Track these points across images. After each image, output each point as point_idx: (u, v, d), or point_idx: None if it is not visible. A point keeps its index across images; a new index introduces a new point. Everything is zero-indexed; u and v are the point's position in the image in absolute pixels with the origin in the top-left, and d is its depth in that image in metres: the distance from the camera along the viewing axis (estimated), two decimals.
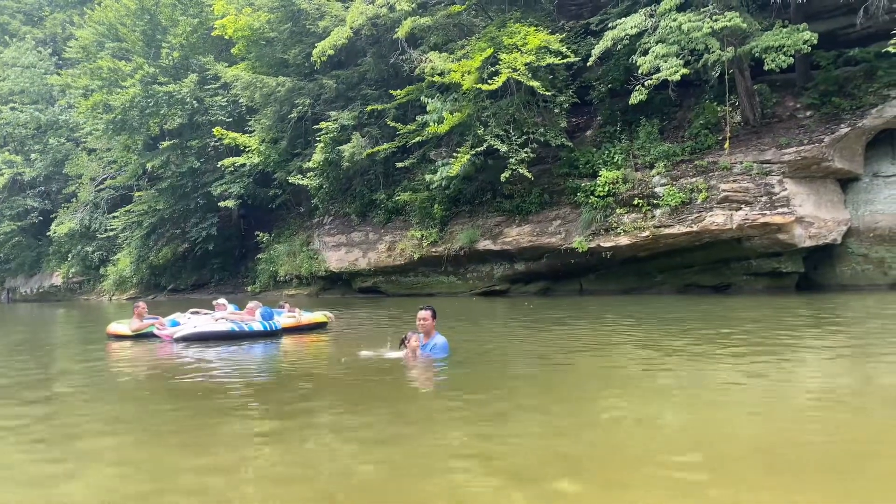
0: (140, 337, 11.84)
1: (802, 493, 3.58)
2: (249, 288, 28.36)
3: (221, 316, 12.02)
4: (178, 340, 11.04)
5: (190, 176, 30.02)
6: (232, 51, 27.24)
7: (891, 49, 14.23)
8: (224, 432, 5.24)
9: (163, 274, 32.98)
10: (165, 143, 29.43)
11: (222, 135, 25.94)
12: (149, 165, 30.41)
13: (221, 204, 27.81)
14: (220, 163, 26.97)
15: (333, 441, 4.90)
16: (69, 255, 37.09)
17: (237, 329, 11.38)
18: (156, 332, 11.70)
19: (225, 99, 28.60)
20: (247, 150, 25.94)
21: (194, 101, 28.61)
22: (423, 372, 7.59)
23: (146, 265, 32.99)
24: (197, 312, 12.60)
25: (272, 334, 11.73)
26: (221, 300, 13.32)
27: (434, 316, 8.11)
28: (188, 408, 6.19)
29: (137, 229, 32.52)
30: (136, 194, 32.86)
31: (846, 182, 17.05)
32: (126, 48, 31.54)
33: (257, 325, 11.65)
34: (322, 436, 5.07)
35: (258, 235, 28.08)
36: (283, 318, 12.55)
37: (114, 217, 32.94)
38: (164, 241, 32.76)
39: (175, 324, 11.97)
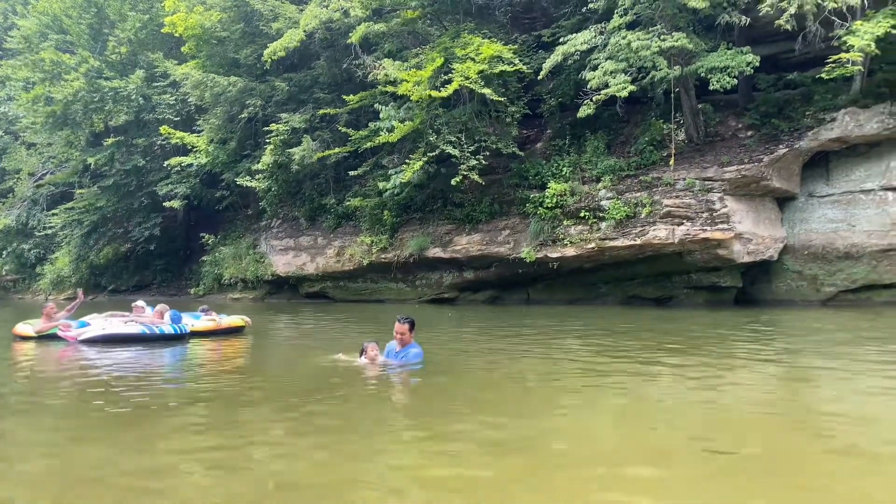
0: (45, 338, 11.48)
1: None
2: (193, 290, 27.79)
3: (130, 318, 11.85)
4: (83, 342, 10.81)
5: (135, 174, 29.28)
6: (182, 49, 26.73)
7: (824, 75, 14.84)
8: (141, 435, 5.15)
9: (103, 274, 32.04)
10: (110, 140, 28.62)
11: (169, 134, 25.41)
12: (91, 162, 29.50)
13: (167, 204, 27.18)
14: (166, 162, 26.36)
15: (265, 442, 4.86)
16: (3, 253, 35.72)
17: (146, 332, 11.20)
18: (59, 333, 11.36)
19: (173, 97, 27.99)
20: (194, 149, 25.46)
21: (141, 98, 27.92)
22: (378, 378, 7.59)
23: (86, 264, 32.01)
24: (114, 315, 12.35)
25: (181, 337, 11.58)
26: (140, 302, 13.15)
27: (412, 328, 8.15)
28: (97, 410, 6.05)
29: (78, 227, 31.51)
30: (78, 192, 31.83)
31: (783, 201, 17.67)
32: (71, 41, 30.60)
33: (167, 328, 11.48)
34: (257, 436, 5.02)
35: (203, 237, 27.54)
36: (203, 322, 12.44)
37: (53, 214, 31.83)
38: (106, 240, 31.83)
39: (85, 325, 11.70)
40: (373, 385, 7.44)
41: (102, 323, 11.57)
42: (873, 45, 13.98)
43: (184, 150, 26.19)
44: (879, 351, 9.23)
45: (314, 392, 7.05)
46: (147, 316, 12.23)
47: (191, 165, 25.68)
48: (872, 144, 16.63)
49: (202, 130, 25.67)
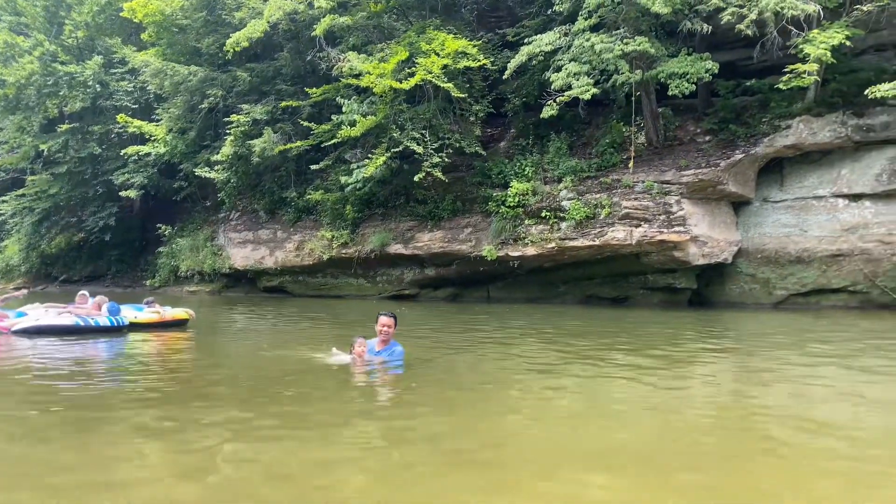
0: None
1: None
2: (148, 282, 27.24)
3: (65, 309, 11.61)
4: (16, 333, 10.56)
5: (90, 162, 28.55)
6: (142, 35, 26.13)
7: (781, 86, 15.19)
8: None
9: (54, 263, 31.23)
10: (64, 127, 27.85)
11: (127, 122, 24.83)
12: (44, 148, 28.67)
13: (123, 194, 26.58)
14: (123, 151, 25.73)
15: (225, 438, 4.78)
16: None
17: (81, 323, 10.99)
18: None
19: (132, 84, 27.36)
20: (153, 139, 24.94)
21: (98, 85, 27.20)
22: (365, 375, 7.52)
23: (36, 253, 31.17)
24: (52, 306, 12.07)
25: (118, 330, 11.39)
26: (83, 292, 12.88)
27: (396, 323, 7.92)
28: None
29: (29, 215, 30.62)
30: (29, 178, 30.91)
31: (738, 205, 18.03)
32: (25, 23, 29.70)
33: (103, 321, 11.28)
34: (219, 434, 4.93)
35: (160, 228, 26.99)
36: (145, 314, 12.25)
37: (3, 201, 30.88)
38: (58, 229, 31.03)
39: (23, 315, 11.43)
40: (335, 383, 7.39)
41: (37, 314, 11.29)
42: (829, 55, 14.35)
43: (141, 138, 25.63)
44: (823, 352, 9.49)
45: (265, 389, 6.96)
46: (85, 307, 11.96)
47: (148, 155, 25.13)
48: (825, 152, 17.07)
49: (161, 119, 25.14)
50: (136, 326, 11.88)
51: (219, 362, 9.07)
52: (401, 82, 18.11)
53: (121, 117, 25.07)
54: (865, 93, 14.48)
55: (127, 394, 6.64)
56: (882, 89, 13.95)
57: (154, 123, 25.19)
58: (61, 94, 27.33)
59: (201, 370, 8.38)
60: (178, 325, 12.58)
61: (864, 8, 14.88)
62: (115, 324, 11.44)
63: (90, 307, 11.84)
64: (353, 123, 18.99)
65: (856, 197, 16.75)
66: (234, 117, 22.05)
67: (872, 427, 5.57)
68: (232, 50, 21.29)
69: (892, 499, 3.91)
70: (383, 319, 7.83)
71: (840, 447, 4.90)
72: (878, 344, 10.43)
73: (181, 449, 4.70)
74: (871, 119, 16.28)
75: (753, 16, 14.74)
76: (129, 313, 12.11)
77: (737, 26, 14.98)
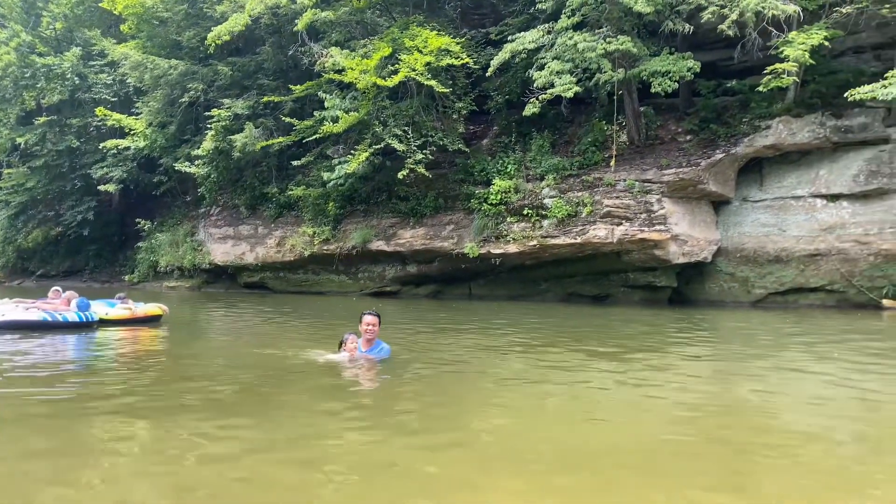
0: None
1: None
2: (127, 278, 26.97)
3: (32, 305, 11.46)
4: None
5: (68, 155, 28.18)
6: (121, 27, 25.84)
7: (761, 88, 15.32)
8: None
9: (31, 258, 30.82)
10: (42, 119, 27.49)
11: (106, 115, 24.53)
12: (21, 141, 28.25)
13: (101, 188, 26.27)
14: (102, 144, 25.44)
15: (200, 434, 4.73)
16: None
17: (48, 319, 10.84)
18: None
19: (111, 77, 27.05)
20: (132, 132, 24.66)
21: (76, 77, 26.87)
22: (364, 372, 7.44)
23: (13, 248, 30.74)
24: (21, 302, 11.91)
25: (87, 325, 11.24)
26: (56, 287, 12.73)
27: (380, 322, 7.81)
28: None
29: (5, 209, 30.24)
30: (6, 171, 30.50)
31: (718, 204, 18.18)
32: (2, 14, 29.26)
33: (72, 316, 11.13)
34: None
35: (139, 223, 26.71)
36: (117, 310, 12.11)
37: None
38: (35, 223, 30.61)
39: None
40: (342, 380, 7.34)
41: (3, 308, 11.13)
42: (807, 56, 14.49)
43: (121, 132, 25.36)
44: (800, 351, 9.59)
45: (240, 387, 6.91)
46: (53, 303, 11.81)
47: (128, 149, 24.88)
48: (804, 153, 17.25)
49: (141, 113, 24.87)
50: (108, 323, 11.73)
51: (192, 360, 8.97)
52: (385, 79, 18.04)
53: (100, 110, 24.76)
54: (845, 95, 14.64)
55: (94, 392, 6.55)
56: (861, 92, 14.10)
57: (133, 117, 24.91)
58: (39, 86, 26.97)
59: (173, 367, 8.29)
60: (151, 321, 12.44)
61: (843, 10, 15.05)
62: (84, 319, 11.26)
63: (59, 303, 11.70)
64: (335, 119, 18.90)
65: (834, 197, 16.94)
66: (214, 112, 21.85)
67: (841, 425, 5.64)
68: (213, 44, 21.10)
69: (857, 493, 3.95)
70: (368, 318, 7.69)
71: (795, 444, 4.95)
72: (845, 343, 10.56)
73: (153, 448, 4.65)
74: (849, 120, 16.47)
75: (735, 16, 14.86)
76: (101, 309, 11.96)
77: (718, 27, 15.09)
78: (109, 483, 3.91)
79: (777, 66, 14.69)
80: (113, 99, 26.90)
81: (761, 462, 4.52)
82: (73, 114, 27.86)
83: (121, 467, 4.23)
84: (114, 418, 5.40)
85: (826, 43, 14.89)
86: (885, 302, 16.08)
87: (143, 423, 5.30)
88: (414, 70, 17.69)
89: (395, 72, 17.97)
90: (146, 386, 6.86)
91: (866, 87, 14.15)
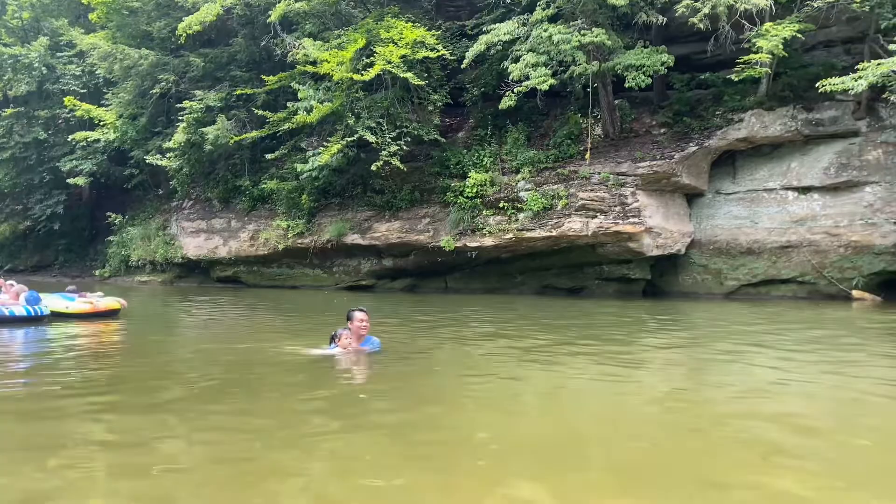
0: None
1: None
2: (98, 272, 26.52)
3: None
4: None
5: (35, 148, 27.61)
6: (90, 17, 25.33)
7: (734, 77, 15.44)
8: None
9: (0, 253, 30.24)
10: (8, 111, 26.92)
11: (74, 106, 24.05)
12: None
13: (71, 181, 25.78)
14: (71, 136, 24.96)
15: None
16: None
17: None
18: None
19: (80, 68, 26.52)
20: (102, 124, 24.22)
21: (44, 68, 26.32)
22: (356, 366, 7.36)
23: None
24: None
25: (37, 320, 10.98)
26: (10, 282, 12.48)
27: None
28: None
29: None
30: None
31: (692, 197, 18.29)
32: None
33: (19, 310, 10.87)
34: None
35: (110, 216, 26.26)
36: (78, 304, 11.90)
37: None
38: (3, 217, 30.05)
39: None
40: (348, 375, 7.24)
41: None
42: (780, 47, 14.62)
43: (90, 124, 24.87)
44: (775, 341, 9.68)
45: (213, 382, 6.80)
46: (4, 297, 11.56)
47: (98, 141, 24.42)
48: (776, 146, 17.41)
49: (111, 104, 24.42)
50: (67, 317, 11.49)
51: (155, 355, 8.82)
52: (360, 73, 17.87)
53: (68, 100, 24.27)
54: (816, 86, 14.80)
55: (51, 386, 6.40)
56: (832, 83, 14.25)
57: (103, 108, 24.45)
58: (5, 77, 26.40)
59: (134, 362, 8.14)
60: (111, 315, 12.21)
61: (815, 4, 15.18)
62: (33, 314, 10.98)
63: (9, 297, 11.45)
64: (309, 109, 18.68)
65: (805, 190, 17.13)
66: (186, 104, 21.52)
67: (810, 412, 5.68)
68: (184, 34, 20.76)
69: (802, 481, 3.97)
70: (361, 315, 7.72)
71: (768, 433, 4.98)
72: (791, 332, 10.70)
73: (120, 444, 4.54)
74: (819, 113, 16.65)
75: (707, 9, 14.93)
76: (59, 303, 11.74)
77: (690, 20, 15.15)
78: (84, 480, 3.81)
79: (751, 56, 14.81)
80: (82, 90, 26.39)
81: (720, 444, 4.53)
82: (40, 105, 27.30)
83: (98, 466, 4.12)
84: (85, 416, 5.28)
85: (799, 35, 15.02)
86: (855, 293, 16.31)
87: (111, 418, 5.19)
88: (389, 63, 17.55)
89: (371, 65, 17.82)
90: (99, 377, 6.72)
91: (836, 80, 14.30)
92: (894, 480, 4.06)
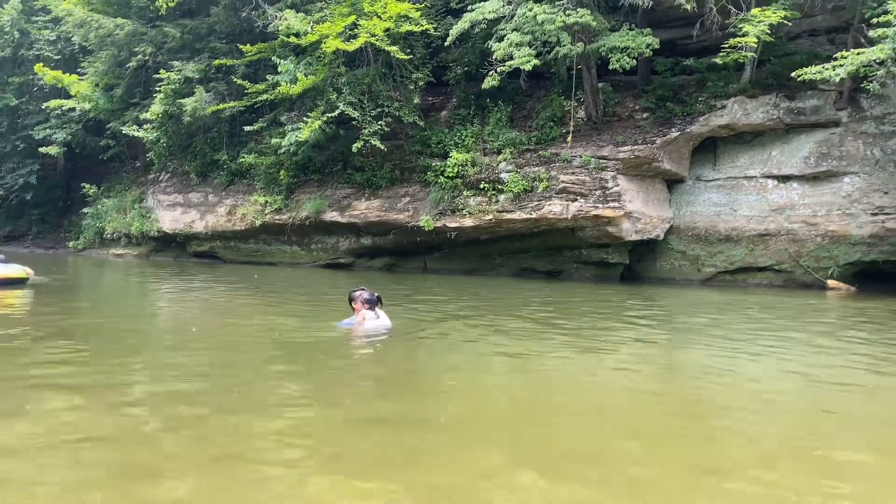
0: None
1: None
2: (72, 244, 26.13)
3: None
4: None
5: (8, 115, 27.05)
6: None
7: (719, 60, 15.38)
8: None
9: None
10: None
11: (44, 73, 23.46)
12: None
13: (43, 150, 25.26)
14: (45, 104, 24.42)
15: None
16: None
17: None
18: None
19: (54, 34, 25.89)
20: (78, 93, 23.70)
21: (17, 32, 25.66)
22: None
23: None
24: None
25: None
26: None
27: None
28: None
29: None
30: None
31: (672, 183, 18.28)
32: None
33: None
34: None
35: (85, 187, 25.80)
36: None
37: None
38: None
39: None
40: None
41: None
42: (767, 32, 14.56)
43: (66, 93, 24.34)
44: (748, 330, 9.71)
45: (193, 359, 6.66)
46: None
47: (73, 110, 23.94)
48: (757, 133, 17.41)
49: (87, 73, 23.89)
50: None
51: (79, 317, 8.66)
52: (345, 42, 17.57)
53: (38, 67, 23.67)
54: (793, 74, 14.79)
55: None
56: (810, 71, 14.26)
57: (79, 77, 23.91)
58: None
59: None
60: (17, 283, 12.00)
61: None
62: None
63: None
64: (293, 80, 18.36)
65: (784, 178, 17.18)
66: (164, 74, 21.09)
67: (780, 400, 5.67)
68: (164, 5, 20.29)
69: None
70: (365, 296, 7.99)
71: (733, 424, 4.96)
72: (780, 321, 10.75)
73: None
74: (801, 102, 16.66)
75: None
76: None
77: (677, 1, 15.04)
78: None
79: (737, 40, 14.75)
80: (56, 57, 25.81)
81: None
82: (13, 71, 26.69)
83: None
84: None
85: (786, 22, 14.97)
86: (830, 282, 16.43)
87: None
88: (374, 35, 17.28)
89: (355, 36, 17.54)
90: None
91: (815, 68, 14.30)
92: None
